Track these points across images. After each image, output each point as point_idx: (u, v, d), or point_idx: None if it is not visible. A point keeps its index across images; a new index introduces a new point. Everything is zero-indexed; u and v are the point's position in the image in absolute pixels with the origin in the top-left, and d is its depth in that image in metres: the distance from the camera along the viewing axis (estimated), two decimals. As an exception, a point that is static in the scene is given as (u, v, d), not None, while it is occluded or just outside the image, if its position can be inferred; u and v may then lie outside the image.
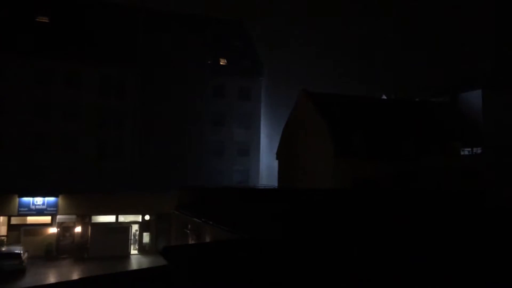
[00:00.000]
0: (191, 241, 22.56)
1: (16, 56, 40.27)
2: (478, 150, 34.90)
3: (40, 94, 40.79)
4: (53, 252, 34.33)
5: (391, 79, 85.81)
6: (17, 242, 33.37)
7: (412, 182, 32.91)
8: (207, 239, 19.64)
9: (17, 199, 33.97)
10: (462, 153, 35.65)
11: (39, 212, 34.54)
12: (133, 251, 37.15)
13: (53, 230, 35.13)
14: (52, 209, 34.80)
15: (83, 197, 36.01)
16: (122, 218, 37.53)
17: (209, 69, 46.84)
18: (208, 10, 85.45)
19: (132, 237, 37.46)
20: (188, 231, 23.40)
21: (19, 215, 34.16)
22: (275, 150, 43.26)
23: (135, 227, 37.68)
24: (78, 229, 35.58)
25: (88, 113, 42.22)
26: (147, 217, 37.74)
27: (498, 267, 9.32)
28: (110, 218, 37.12)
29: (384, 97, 50.68)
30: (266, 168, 51.76)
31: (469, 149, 35.40)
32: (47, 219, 35.16)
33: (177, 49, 44.48)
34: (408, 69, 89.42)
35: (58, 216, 35.23)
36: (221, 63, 49.39)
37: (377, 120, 37.10)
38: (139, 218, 37.78)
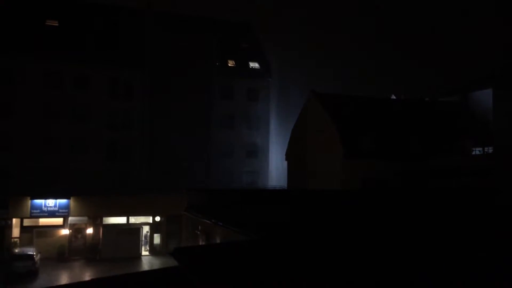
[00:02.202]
0: (201, 242, 22.65)
1: (25, 59, 40.74)
2: (489, 149, 34.59)
3: (49, 97, 41.23)
4: (65, 253, 34.69)
5: (401, 79, 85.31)
6: (29, 243, 33.78)
7: (422, 182, 32.72)
8: (217, 240, 19.72)
9: (29, 201, 34.37)
10: (473, 152, 35.35)
11: (51, 214, 34.93)
12: (144, 252, 37.41)
13: (65, 231, 35.50)
14: (64, 210, 35.16)
15: (95, 198, 36.35)
16: (133, 220, 37.83)
17: (218, 71, 46.97)
18: (216, 12, 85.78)
19: (143, 238, 37.73)
20: (198, 232, 23.50)
21: (31, 217, 34.58)
22: (284, 151, 43.26)
23: (146, 229, 37.95)
24: (89, 230, 35.91)
25: (97, 115, 42.58)
26: (157, 219, 37.99)
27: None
28: (121, 220, 37.45)
29: (393, 97, 50.43)
30: (276, 169, 51.76)
31: (480, 148, 35.10)
32: (59, 220, 35.54)
33: (185, 51, 44.67)
34: (417, 69, 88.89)
35: (70, 218, 35.60)
36: (229, 65, 49.50)
37: (387, 121, 36.94)
38: (149, 219, 38.04)
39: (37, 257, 30.69)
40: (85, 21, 46.11)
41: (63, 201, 35.15)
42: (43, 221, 35.22)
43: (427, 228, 15.69)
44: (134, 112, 43.81)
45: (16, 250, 31.20)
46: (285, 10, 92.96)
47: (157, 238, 38.01)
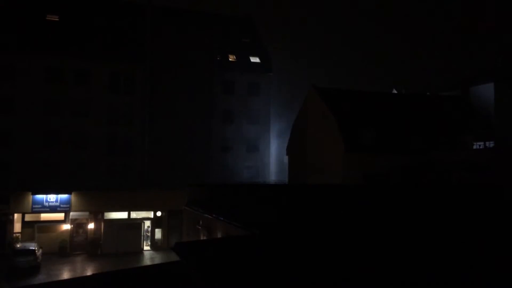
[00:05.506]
0: (202, 237, 22.70)
1: (26, 55, 40.63)
2: (490, 143, 34.56)
3: (50, 92, 41.17)
4: (66, 248, 34.78)
5: (402, 74, 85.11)
6: (31, 239, 33.85)
7: (423, 177, 32.71)
8: (219, 235, 19.75)
9: (31, 196, 34.43)
10: (474, 147, 35.32)
11: (53, 209, 34.98)
12: (146, 247, 37.51)
13: (66, 226, 35.57)
14: (65, 206, 35.22)
15: (96, 193, 36.40)
16: (134, 215, 37.87)
17: (218, 65, 46.86)
18: (217, 6, 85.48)
19: (144, 233, 37.81)
20: (200, 227, 23.54)
21: (33, 212, 34.64)
22: (285, 146, 43.26)
23: (147, 224, 38.03)
24: (91, 225, 35.98)
25: (98, 110, 42.53)
26: (159, 214, 38.04)
27: None
28: (123, 215, 37.48)
29: (394, 91, 50.35)
30: (277, 164, 51.76)
31: (481, 142, 35.06)
32: (60, 216, 35.60)
33: (186, 46, 44.54)
34: (418, 63, 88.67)
35: (71, 213, 35.66)
36: (230, 59, 49.37)
37: (387, 115, 36.89)
38: (151, 214, 38.09)
39: (38, 252, 30.78)
40: (85, 16, 45.96)
41: (64, 196, 35.20)
42: (44, 216, 35.29)
43: (427, 224, 15.68)
44: (134, 107, 43.75)
45: (18, 245, 31.27)
46: (286, 5, 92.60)
47: (158, 233, 38.08)
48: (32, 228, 34.76)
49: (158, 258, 34.19)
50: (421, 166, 32.94)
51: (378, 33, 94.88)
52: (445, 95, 42.91)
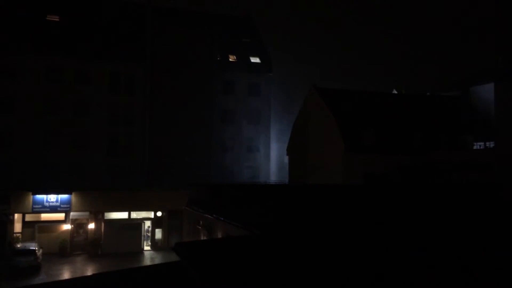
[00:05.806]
0: (203, 237, 22.72)
1: (26, 54, 40.65)
2: (490, 144, 34.58)
3: (51, 92, 41.19)
4: (67, 248, 34.77)
5: (402, 74, 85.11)
6: (31, 239, 33.83)
7: (423, 177, 32.71)
8: (219, 235, 19.77)
9: (31, 197, 34.41)
10: (474, 147, 35.34)
11: (53, 209, 34.98)
12: (146, 247, 37.50)
13: (67, 226, 35.56)
14: (65, 206, 35.21)
15: (96, 194, 36.40)
16: (134, 215, 37.87)
17: (218, 66, 46.86)
18: (217, 6, 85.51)
19: (145, 233, 37.81)
20: (200, 227, 23.56)
21: (33, 212, 34.62)
22: (285, 146, 43.26)
23: (147, 224, 38.02)
24: (91, 225, 35.97)
25: (98, 110, 42.54)
26: (159, 214, 38.04)
27: None
28: (123, 215, 37.48)
29: (394, 92, 50.35)
30: (277, 163, 51.78)
31: (482, 143, 35.09)
32: (60, 216, 35.58)
33: (186, 46, 44.55)
34: (419, 63, 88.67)
35: (71, 213, 35.65)
36: (230, 59, 49.38)
37: (388, 115, 36.90)
38: (151, 214, 38.08)
39: (39, 252, 30.76)
40: (85, 16, 45.99)
41: (64, 196, 35.19)
42: (44, 216, 35.28)
43: (427, 224, 15.68)
44: (135, 107, 43.77)
45: (18, 245, 31.25)
46: (286, 5, 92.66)
47: (158, 233, 38.07)
48: (33, 228, 34.74)
49: (158, 258, 34.19)
50: (421, 166, 32.95)
51: (378, 33, 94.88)
52: (445, 95, 42.91)
